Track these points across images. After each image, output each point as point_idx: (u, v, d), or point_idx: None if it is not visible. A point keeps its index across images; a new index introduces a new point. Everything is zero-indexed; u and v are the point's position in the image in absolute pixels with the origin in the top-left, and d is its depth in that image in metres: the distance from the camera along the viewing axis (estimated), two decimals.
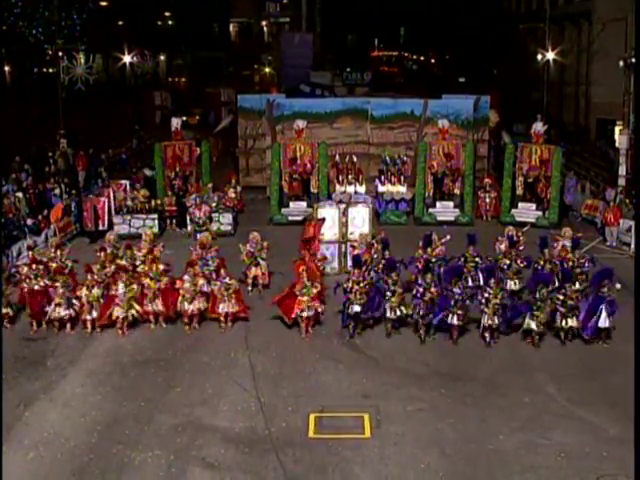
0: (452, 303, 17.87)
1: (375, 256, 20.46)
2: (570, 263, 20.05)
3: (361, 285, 18.30)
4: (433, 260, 20.26)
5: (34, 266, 19.25)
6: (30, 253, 20.67)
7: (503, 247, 21.17)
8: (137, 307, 18.72)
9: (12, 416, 14.53)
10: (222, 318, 18.92)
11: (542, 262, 20.27)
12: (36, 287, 18.91)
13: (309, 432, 14.30)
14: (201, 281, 19.21)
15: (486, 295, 17.90)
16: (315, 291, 18.54)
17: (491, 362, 17.28)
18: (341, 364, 17.12)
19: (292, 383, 16.17)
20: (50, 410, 15.08)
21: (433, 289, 18.06)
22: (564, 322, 17.94)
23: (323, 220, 22.53)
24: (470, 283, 19.80)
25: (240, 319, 19.19)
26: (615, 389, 15.73)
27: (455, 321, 17.94)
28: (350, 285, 18.31)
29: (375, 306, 18.46)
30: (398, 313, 18.34)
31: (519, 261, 20.56)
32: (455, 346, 18.06)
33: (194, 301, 18.75)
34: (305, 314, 18.49)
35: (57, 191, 28.34)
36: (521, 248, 21.04)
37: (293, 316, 18.63)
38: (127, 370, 16.83)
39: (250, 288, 21.22)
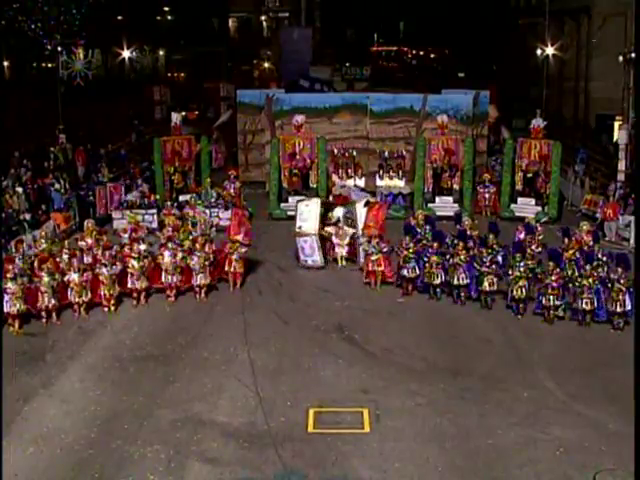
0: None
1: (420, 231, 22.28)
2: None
3: (410, 251, 20.67)
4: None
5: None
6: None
7: (522, 236, 22.11)
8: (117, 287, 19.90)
9: (12, 411, 14.50)
10: (197, 289, 20.55)
11: (561, 250, 20.62)
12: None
13: (308, 427, 14.31)
14: (179, 255, 20.51)
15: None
16: (242, 250, 20.99)
17: (490, 357, 17.31)
18: (340, 359, 17.14)
19: (291, 378, 16.19)
20: (49, 405, 15.09)
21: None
22: (578, 303, 18.74)
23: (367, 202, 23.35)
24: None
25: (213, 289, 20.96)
26: (614, 384, 15.71)
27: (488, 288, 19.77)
28: (401, 250, 20.81)
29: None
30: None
31: (534, 246, 21.33)
32: (454, 341, 18.12)
33: (174, 275, 20.40)
34: (232, 269, 21.03)
35: (57, 186, 28.29)
36: (540, 237, 21.96)
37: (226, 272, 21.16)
38: (126, 365, 16.84)
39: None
